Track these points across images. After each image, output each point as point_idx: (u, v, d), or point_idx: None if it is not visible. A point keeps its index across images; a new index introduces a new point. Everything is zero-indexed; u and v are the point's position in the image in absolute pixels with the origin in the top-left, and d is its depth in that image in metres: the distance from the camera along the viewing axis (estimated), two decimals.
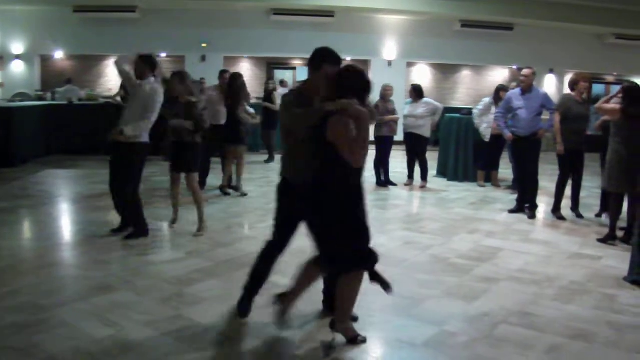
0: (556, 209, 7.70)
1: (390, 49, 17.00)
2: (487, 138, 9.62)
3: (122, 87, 8.83)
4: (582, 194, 7.91)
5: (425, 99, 9.89)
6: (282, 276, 4.96)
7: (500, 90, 9.53)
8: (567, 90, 7.91)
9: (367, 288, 3.66)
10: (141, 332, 3.75)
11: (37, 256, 5.45)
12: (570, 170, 7.58)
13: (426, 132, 9.79)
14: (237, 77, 8.43)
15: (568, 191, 7.72)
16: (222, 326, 3.90)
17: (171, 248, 5.83)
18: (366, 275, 3.58)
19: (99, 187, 8.99)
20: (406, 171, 10.19)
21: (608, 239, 6.44)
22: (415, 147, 9.91)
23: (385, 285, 3.62)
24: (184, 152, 6.24)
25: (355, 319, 3.87)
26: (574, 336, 3.87)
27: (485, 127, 9.59)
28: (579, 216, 7.72)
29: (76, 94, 14.23)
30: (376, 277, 3.60)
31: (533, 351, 3.63)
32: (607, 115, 6.70)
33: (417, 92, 9.93)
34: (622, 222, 6.68)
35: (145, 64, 5.86)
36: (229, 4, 15.65)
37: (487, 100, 9.79)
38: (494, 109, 9.43)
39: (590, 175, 7.84)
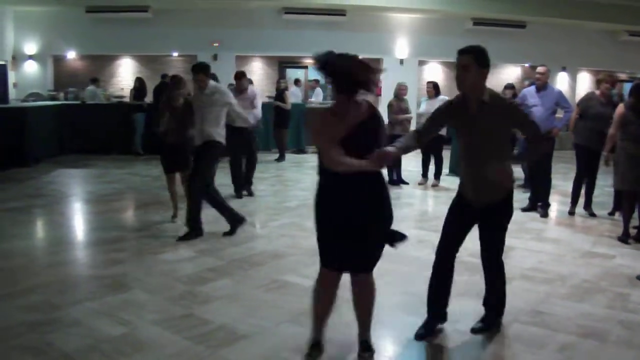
0: (573, 206, 7.71)
1: (402, 48, 16.96)
2: None
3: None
4: (595, 192, 7.86)
5: (441, 97, 9.81)
6: (296, 275, 5.00)
7: (508, 88, 9.99)
8: (579, 87, 7.93)
9: (377, 286, 3.64)
10: (153, 331, 3.77)
11: (50, 255, 5.51)
12: (586, 169, 7.54)
13: (442, 130, 9.65)
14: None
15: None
16: (234, 325, 3.91)
17: (183, 247, 5.84)
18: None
19: (112, 186, 9.06)
20: (417, 169, 10.15)
21: (627, 238, 6.38)
22: (432, 146, 9.75)
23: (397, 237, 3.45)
24: None
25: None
26: (586, 335, 3.84)
27: None
28: (592, 214, 7.67)
29: (99, 96, 14.29)
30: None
31: (545, 350, 3.61)
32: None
33: (436, 89, 9.91)
34: (635, 220, 6.62)
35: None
36: (240, 4, 15.70)
37: None
38: None
39: (603, 173, 7.77)
